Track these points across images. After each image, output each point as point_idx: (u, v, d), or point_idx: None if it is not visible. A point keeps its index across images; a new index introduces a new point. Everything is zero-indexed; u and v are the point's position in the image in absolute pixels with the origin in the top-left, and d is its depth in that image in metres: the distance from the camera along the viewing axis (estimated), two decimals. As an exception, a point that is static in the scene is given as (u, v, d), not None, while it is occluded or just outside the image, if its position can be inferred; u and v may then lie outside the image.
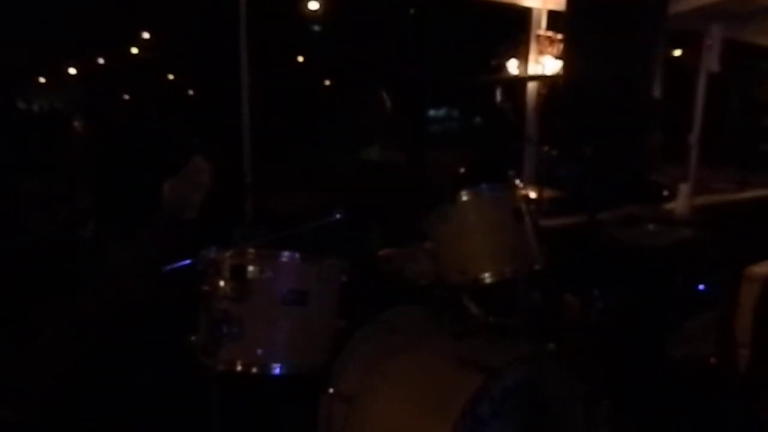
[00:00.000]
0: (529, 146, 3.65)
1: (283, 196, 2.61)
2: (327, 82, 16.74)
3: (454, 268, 2.21)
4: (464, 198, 2.21)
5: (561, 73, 3.33)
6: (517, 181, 2.30)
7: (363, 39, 14.53)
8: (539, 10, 4.27)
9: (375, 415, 1.90)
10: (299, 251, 1.96)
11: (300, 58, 19.53)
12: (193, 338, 1.91)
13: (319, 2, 16.78)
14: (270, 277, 1.91)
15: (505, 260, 2.20)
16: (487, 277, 2.17)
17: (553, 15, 4.27)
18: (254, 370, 1.89)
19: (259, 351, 1.89)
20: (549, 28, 4.24)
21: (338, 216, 2.05)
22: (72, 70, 25.82)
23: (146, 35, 22.17)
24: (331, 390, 2.03)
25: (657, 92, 3.06)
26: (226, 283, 1.86)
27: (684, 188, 5.35)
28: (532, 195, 2.60)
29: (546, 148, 2.98)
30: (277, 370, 1.90)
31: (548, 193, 2.67)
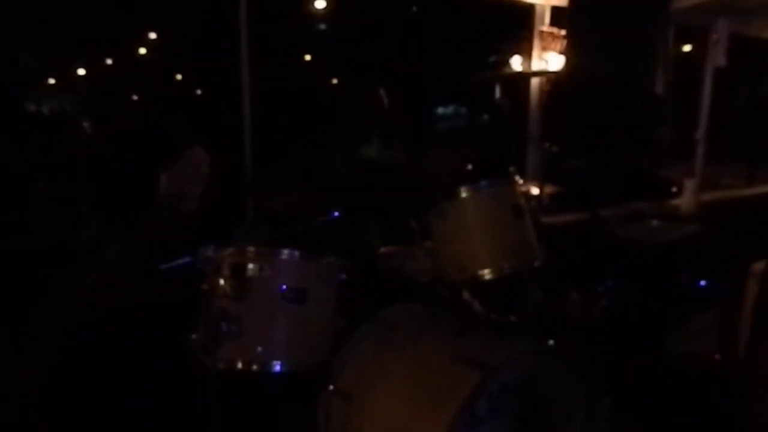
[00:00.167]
0: (528, 142, 3.64)
1: (282, 194, 2.61)
2: (334, 81, 16.75)
3: (453, 266, 2.21)
4: (463, 194, 2.20)
5: (563, 69, 3.34)
6: (517, 178, 2.30)
7: (366, 37, 14.53)
8: (542, 7, 4.26)
9: (373, 412, 1.90)
10: (299, 249, 1.96)
11: (307, 57, 19.57)
12: (193, 337, 1.92)
13: (326, 0, 16.80)
14: (269, 275, 1.91)
15: (504, 257, 2.20)
16: (486, 274, 2.17)
17: (556, 11, 4.25)
18: (254, 367, 1.89)
19: (259, 349, 1.89)
20: (552, 24, 4.23)
21: (335, 214, 2.05)
22: (81, 71, 25.97)
23: (153, 35, 22.26)
24: (330, 387, 2.03)
25: (660, 88, 3.05)
26: (225, 282, 1.87)
27: (690, 184, 5.33)
28: (534, 191, 2.59)
29: (547, 144, 2.97)
30: (276, 368, 1.91)
31: (549, 189, 2.67)
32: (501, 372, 1.82)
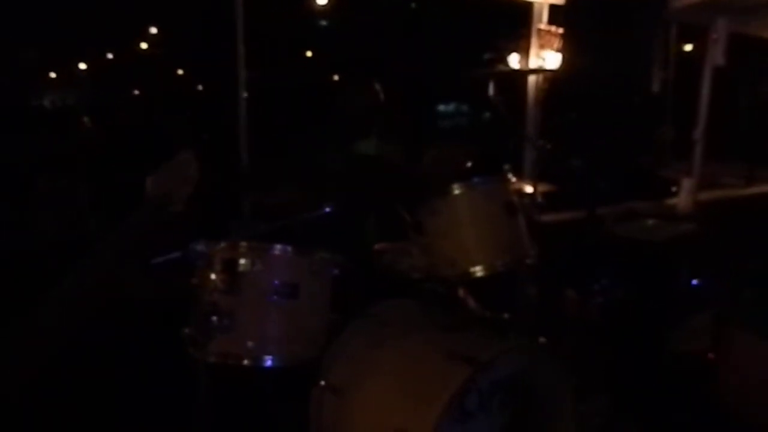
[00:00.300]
0: (522, 140, 3.64)
1: (277, 190, 2.62)
2: (336, 77, 16.76)
3: (445, 262, 2.22)
4: (456, 191, 2.21)
5: (560, 67, 3.34)
6: (510, 175, 2.31)
7: (365, 33, 14.54)
8: (540, 4, 4.25)
9: (364, 406, 1.91)
10: (291, 245, 1.97)
11: (309, 53, 19.58)
12: (186, 330, 1.93)
13: (327, -3, 16.81)
14: (261, 269, 1.91)
15: (497, 254, 2.20)
16: (478, 271, 2.18)
17: (554, 9, 4.25)
18: (246, 362, 1.90)
19: (250, 343, 1.89)
20: (550, 22, 4.22)
21: (327, 210, 2.06)
22: (83, 66, 25.97)
23: (154, 30, 22.27)
24: (322, 382, 2.04)
25: (656, 86, 3.06)
26: (217, 276, 1.87)
27: (687, 183, 5.32)
28: (528, 189, 2.60)
29: (541, 141, 2.97)
30: (268, 363, 1.90)
31: (543, 187, 2.67)
32: (491, 368, 1.83)
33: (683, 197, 5.33)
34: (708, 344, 2.94)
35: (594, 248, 3.39)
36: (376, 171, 2.64)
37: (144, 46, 23.60)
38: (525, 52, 4.25)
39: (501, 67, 3.09)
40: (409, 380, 1.90)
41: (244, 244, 1.95)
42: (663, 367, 3.07)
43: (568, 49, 3.20)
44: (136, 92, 22.41)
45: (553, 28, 4.11)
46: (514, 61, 4.49)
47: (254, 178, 3.11)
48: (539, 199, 2.54)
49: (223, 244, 1.93)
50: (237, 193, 3.04)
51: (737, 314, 2.84)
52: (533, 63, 4.08)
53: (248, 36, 3.74)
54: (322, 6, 17.34)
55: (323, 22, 18.93)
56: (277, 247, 1.96)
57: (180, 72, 22.72)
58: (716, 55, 5.11)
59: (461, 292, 2.51)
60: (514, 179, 2.31)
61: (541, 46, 4.09)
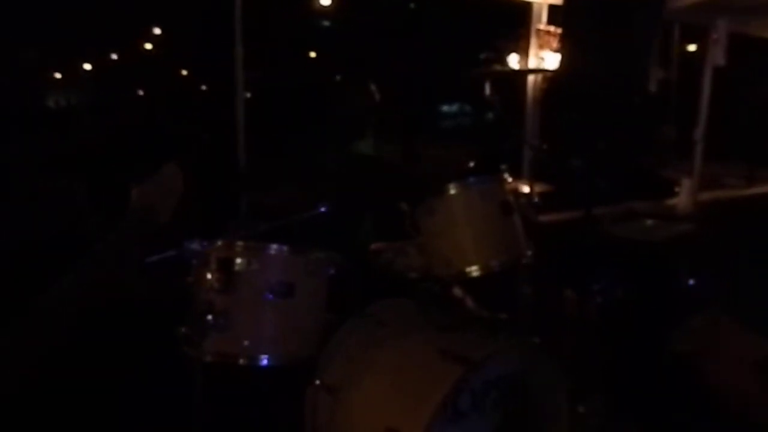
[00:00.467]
0: (520, 140, 3.65)
1: (275, 189, 2.63)
2: (338, 78, 16.76)
3: (441, 261, 2.22)
4: (451, 191, 2.22)
5: (558, 67, 3.33)
6: (506, 175, 2.31)
7: (365, 34, 14.56)
8: (540, 5, 4.27)
9: (358, 405, 1.91)
10: (287, 244, 1.97)
11: (312, 54, 19.60)
12: (182, 329, 1.94)
13: (330, -1, 16.83)
14: (257, 269, 1.92)
15: (492, 253, 2.21)
16: (473, 270, 2.18)
17: (553, 9, 4.25)
18: (241, 361, 1.90)
19: (246, 342, 1.90)
20: (550, 22, 4.23)
21: (322, 209, 2.07)
22: (87, 66, 26.04)
23: (157, 31, 22.32)
24: (317, 382, 2.05)
25: (653, 86, 3.05)
26: (212, 275, 1.88)
27: (687, 183, 5.32)
28: (524, 189, 2.60)
29: (537, 142, 2.98)
30: (264, 362, 1.91)
31: (540, 187, 2.68)
32: (483, 367, 1.83)
33: (683, 197, 5.33)
34: (707, 344, 2.94)
35: (593, 248, 3.39)
36: (374, 171, 2.65)
37: (148, 46, 23.66)
38: (524, 52, 4.26)
39: (497, 67, 3.09)
40: (403, 379, 1.91)
41: (240, 243, 1.96)
42: (662, 367, 3.07)
43: (565, 48, 3.19)
44: (140, 92, 22.47)
45: (552, 28, 4.12)
46: (513, 61, 4.50)
47: (253, 177, 3.13)
48: (536, 199, 2.54)
49: (219, 243, 1.94)
50: (235, 193, 3.05)
51: (736, 314, 2.84)
52: (532, 63, 4.09)
53: (251, 36, 3.76)
54: (325, 6, 17.36)
55: (326, 23, 18.95)
56: (273, 247, 1.96)
57: (184, 72, 22.77)
58: (717, 55, 5.11)
59: (460, 292, 2.51)
60: (510, 179, 2.32)
61: (540, 47, 4.09)
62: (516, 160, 3.65)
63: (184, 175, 1.74)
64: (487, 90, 2.46)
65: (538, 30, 4.21)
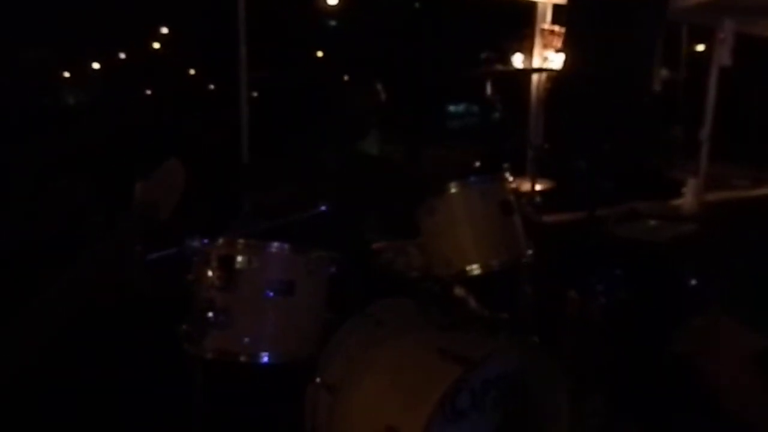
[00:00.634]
0: (520, 140, 3.65)
1: (277, 188, 2.64)
2: (346, 77, 16.74)
3: (441, 261, 2.22)
4: (452, 190, 2.22)
5: (562, 67, 3.33)
6: (507, 174, 2.31)
7: (370, 34, 14.55)
8: (544, 4, 4.26)
9: (357, 404, 1.92)
10: (288, 242, 1.98)
11: (320, 53, 19.60)
12: (182, 327, 1.95)
13: (337, -2, 16.83)
14: (257, 267, 1.93)
15: (492, 253, 2.21)
16: (473, 270, 2.19)
17: (558, 9, 4.25)
18: (242, 358, 1.92)
19: (246, 340, 1.92)
20: (554, 22, 4.22)
21: (323, 208, 2.07)
22: (95, 65, 26.12)
23: (165, 30, 22.38)
24: (317, 380, 2.06)
25: (657, 86, 3.04)
26: (213, 273, 1.89)
27: (692, 184, 5.29)
28: (526, 188, 2.60)
29: (539, 141, 2.98)
30: (264, 359, 1.93)
31: (542, 184, 2.68)
32: (482, 366, 1.83)
33: (688, 198, 5.31)
34: (707, 344, 2.93)
35: (596, 249, 3.38)
36: (374, 170, 2.65)
37: (156, 45, 23.71)
38: (529, 52, 4.25)
39: (498, 67, 3.08)
40: (403, 379, 1.91)
41: (240, 241, 1.97)
42: (664, 367, 3.07)
43: (568, 48, 3.19)
44: (148, 92, 22.53)
45: (556, 28, 4.11)
46: (517, 60, 4.49)
47: (255, 176, 3.13)
48: (537, 199, 2.54)
49: (220, 241, 1.95)
50: (237, 192, 3.06)
51: (738, 314, 2.83)
52: (537, 63, 4.09)
53: (259, 36, 3.78)
54: (332, 6, 17.36)
55: (333, 23, 18.96)
56: (274, 245, 1.98)
57: (192, 72, 22.82)
58: (723, 56, 5.08)
59: (462, 291, 2.52)
60: (511, 178, 2.32)
61: (545, 46, 4.09)
62: (519, 160, 3.64)
63: (185, 172, 1.75)
64: (488, 89, 2.46)
65: (543, 30, 4.20)
